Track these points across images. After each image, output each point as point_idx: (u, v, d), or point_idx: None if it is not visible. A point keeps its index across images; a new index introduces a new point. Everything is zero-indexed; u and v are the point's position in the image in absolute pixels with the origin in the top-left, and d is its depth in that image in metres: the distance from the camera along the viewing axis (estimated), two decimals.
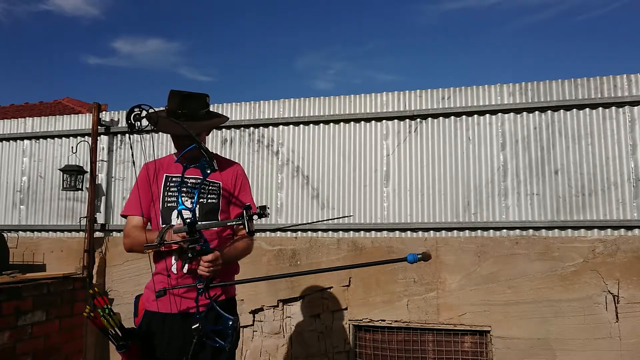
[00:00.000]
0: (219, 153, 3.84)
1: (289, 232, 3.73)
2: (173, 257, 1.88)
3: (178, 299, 1.86)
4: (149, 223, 2.01)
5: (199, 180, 1.95)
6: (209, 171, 1.64)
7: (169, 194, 1.95)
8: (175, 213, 1.91)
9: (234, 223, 1.58)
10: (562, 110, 3.41)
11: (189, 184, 1.95)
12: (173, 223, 1.89)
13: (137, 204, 1.97)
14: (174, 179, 1.97)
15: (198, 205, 1.91)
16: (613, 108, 3.33)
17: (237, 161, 2.30)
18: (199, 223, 1.64)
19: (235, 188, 2.02)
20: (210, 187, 1.96)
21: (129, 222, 1.99)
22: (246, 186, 2.07)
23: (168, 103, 1.93)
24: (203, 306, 1.75)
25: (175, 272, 1.87)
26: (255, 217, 1.53)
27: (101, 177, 4.17)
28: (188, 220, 1.60)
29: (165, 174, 1.99)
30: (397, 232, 3.55)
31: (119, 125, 4.20)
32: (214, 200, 1.94)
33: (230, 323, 1.61)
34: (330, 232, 3.67)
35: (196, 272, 1.82)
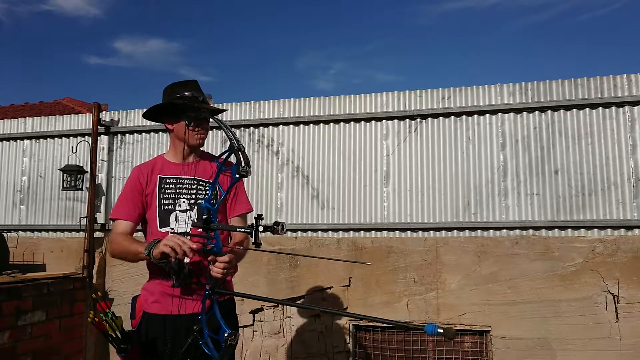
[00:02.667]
0: (218, 153, 3.84)
1: (288, 232, 3.73)
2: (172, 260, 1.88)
3: (178, 301, 1.86)
4: (138, 227, 1.97)
5: (194, 181, 1.93)
6: (237, 175, 1.60)
7: (164, 196, 1.92)
8: (173, 215, 1.90)
9: (245, 231, 1.54)
10: (562, 110, 3.41)
11: (185, 184, 1.94)
12: (172, 226, 1.88)
13: (125, 208, 1.92)
14: (168, 180, 1.94)
15: (195, 206, 1.90)
16: (613, 108, 3.33)
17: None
18: (214, 224, 1.62)
19: (231, 188, 1.98)
20: (207, 187, 1.94)
21: (115, 227, 1.92)
22: (241, 187, 2.05)
23: (185, 89, 1.92)
24: (207, 301, 1.74)
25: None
26: (260, 228, 1.48)
27: (101, 177, 4.17)
28: (205, 217, 1.59)
29: (158, 176, 1.95)
30: (397, 232, 3.55)
31: (119, 125, 4.20)
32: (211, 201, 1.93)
33: (225, 335, 1.58)
34: (330, 232, 3.67)
35: (197, 275, 1.83)
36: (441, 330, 1.30)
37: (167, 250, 1.62)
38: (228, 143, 1.71)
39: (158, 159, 2.04)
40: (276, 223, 1.46)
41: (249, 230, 1.50)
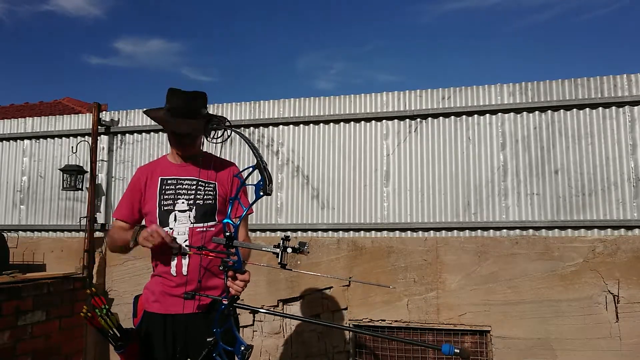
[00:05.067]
0: (218, 153, 3.84)
1: (288, 232, 3.73)
2: (172, 260, 1.88)
3: (179, 301, 1.86)
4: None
5: (193, 182, 1.94)
6: (261, 193, 1.58)
7: (165, 197, 1.93)
8: (172, 216, 1.90)
9: (270, 250, 1.53)
10: (562, 110, 3.41)
11: (184, 185, 1.95)
12: (171, 226, 1.89)
13: (124, 209, 2.01)
14: (169, 182, 1.96)
15: (195, 207, 1.91)
16: (613, 108, 3.33)
17: (236, 161, 2.29)
18: (237, 241, 1.60)
19: (232, 189, 1.99)
20: (206, 189, 1.95)
21: (114, 223, 2.05)
22: (241, 190, 2.05)
23: (171, 100, 1.90)
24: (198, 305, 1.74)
25: (175, 274, 1.88)
26: (289, 250, 1.48)
27: (101, 177, 4.17)
28: (227, 234, 1.58)
29: (160, 177, 1.97)
30: (397, 232, 3.55)
31: (119, 125, 4.20)
32: (210, 202, 1.93)
33: (242, 349, 1.60)
34: (330, 232, 3.67)
35: (198, 273, 1.84)
36: (457, 350, 1.35)
37: (147, 244, 1.76)
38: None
39: (161, 160, 2.08)
40: (301, 244, 1.47)
41: (277, 252, 1.49)
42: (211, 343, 1.63)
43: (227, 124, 1.69)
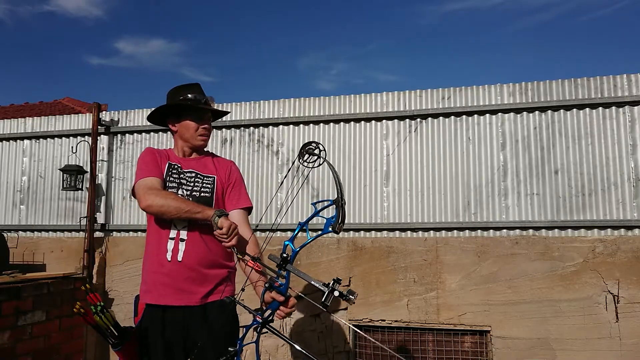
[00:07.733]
0: (219, 153, 3.84)
1: (289, 232, 3.73)
2: (168, 244, 1.89)
3: (178, 291, 1.87)
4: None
5: (193, 174, 2.00)
6: (330, 229, 1.55)
7: (170, 179, 1.97)
8: None
9: (318, 287, 1.47)
10: (562, 110, 3.41)
11: (185, 176, 1.99)
12: None
13: (152, 169, 1.93)
14: (175, 167, 2.00)
15: (191, 198, 1.93)
16: (613, 108, 3.33)
17: (236, 160, 2.33)
18: (291, 265, 1.57)
19: (229, 183, 2.05)
20: (204, 181, 1.99)
21: (146, 182, 1.88)
22: (240, 182, 2.09)
23: (192, 91, 2.01)
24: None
25: (170, 259, 1.87)
26: (336, 293, 1.43)
27: (101, 177, 4.16)
28: (284, 255, 1.55)
29: (168, 162, 2.02)
30: (397, 232, 3.55)
31: (119, 125, 4.20)
32: (207, 194, 1.97)
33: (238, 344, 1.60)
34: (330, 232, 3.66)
35: (194, 260, 1.87)
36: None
37: (222, 231, 1.72)
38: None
39: (168, 150, 2.11)
40: (350, 292, 1.42)
41: (325, 290, 1.44)
42: (231, 353, 1.63)
43: (323, 152, 1.66)
